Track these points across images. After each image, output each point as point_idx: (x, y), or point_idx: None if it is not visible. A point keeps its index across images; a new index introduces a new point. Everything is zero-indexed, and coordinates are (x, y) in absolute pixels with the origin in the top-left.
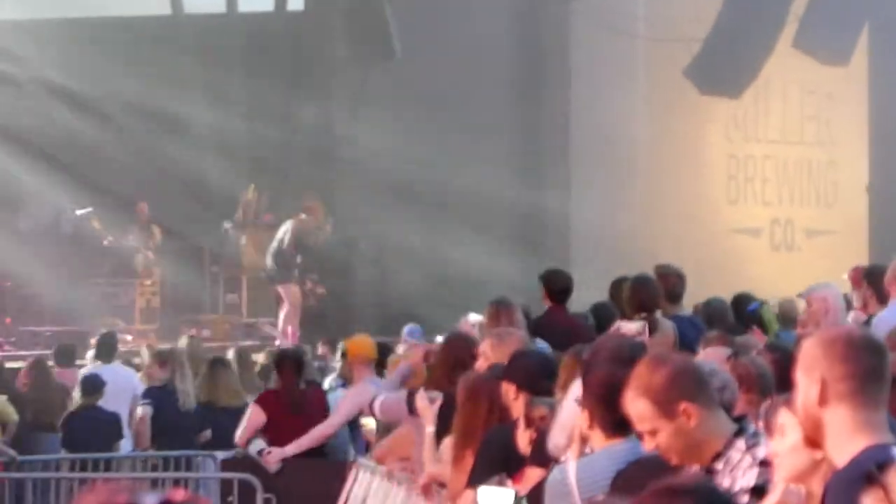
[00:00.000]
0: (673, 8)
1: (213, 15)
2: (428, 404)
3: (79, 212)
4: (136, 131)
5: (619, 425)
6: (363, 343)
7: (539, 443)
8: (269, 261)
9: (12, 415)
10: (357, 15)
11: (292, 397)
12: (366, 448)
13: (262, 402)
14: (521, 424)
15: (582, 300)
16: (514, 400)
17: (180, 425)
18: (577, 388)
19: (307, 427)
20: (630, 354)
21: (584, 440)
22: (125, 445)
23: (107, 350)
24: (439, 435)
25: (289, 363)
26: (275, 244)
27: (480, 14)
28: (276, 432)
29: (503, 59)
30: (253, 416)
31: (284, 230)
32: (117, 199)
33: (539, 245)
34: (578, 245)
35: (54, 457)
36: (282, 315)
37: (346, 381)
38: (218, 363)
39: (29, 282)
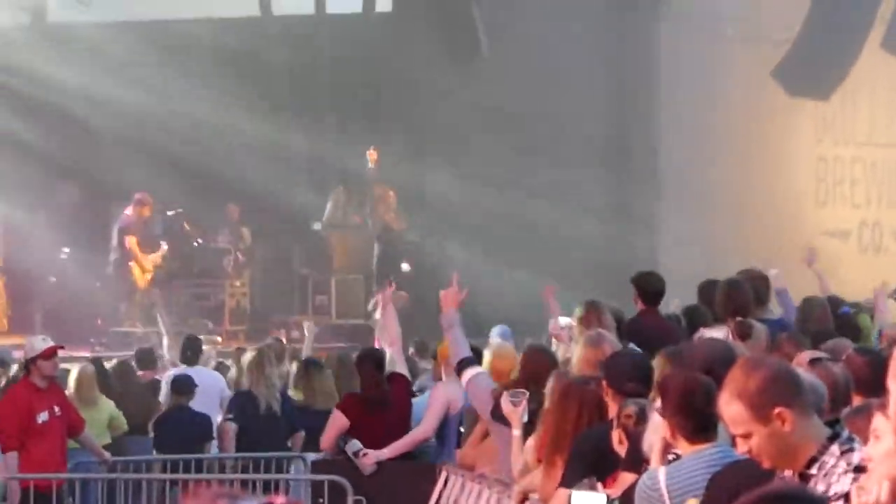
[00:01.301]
0: (761, 11)
1: (301, 16)
2: (513, 407)
3: (169, 213)
4: (226, 132)
5: (700, 431)
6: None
7: (632, 448)
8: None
9: (123, 425)
10: (444, 16)
11: (374, 398)
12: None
13: (343, 406)
14: (614, 424)
15: (670, 302)
16: (611, 401)
17: (264, 429)
18: None
19: (393, 425)
20: (706, 361)
21: (665, 447)
22: (215, 447)
23: (192, 353)
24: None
25: (368, 363)
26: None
27: (569, 13)
28: (361, 435)
29: (592, 57)
30: (335, 420)
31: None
32: (208, 200)
33: (627, 246)
34: (666, 247)
35: (145, 458)
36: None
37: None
38: (312, 365)
39: (119, 283)
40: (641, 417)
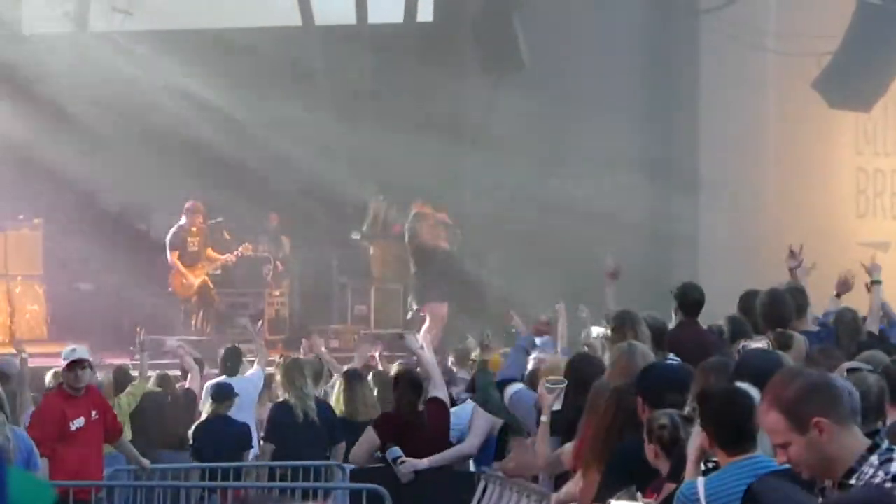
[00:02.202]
0: (802, 22)
1: (342, 26)
2: (547, 392)
3: (209, 222)
4: (265, 141)
5: (739, 441)
6: (495, 360)
7: (676, 459)
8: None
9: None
10: (485, 26)
11: (409, 419)
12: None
13: (377, 424)
14: (646, 437)
15: (709, 312)
16: (643, 413)
17: (302, 439)
18: None
19: (427, 447)
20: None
21: (699, 457)
22: (254, 455)
23: (232, 364)
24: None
25: (405, 384)
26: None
27: (609, 25)
28: None
29: (632, 69)
30: (368, 438)
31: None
32: (248, 209)
33: (667, 257)
34: (706, 256)
35: (183, 465)
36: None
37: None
38: (354, 376)
39: (159, 291)
40: (675, 429)
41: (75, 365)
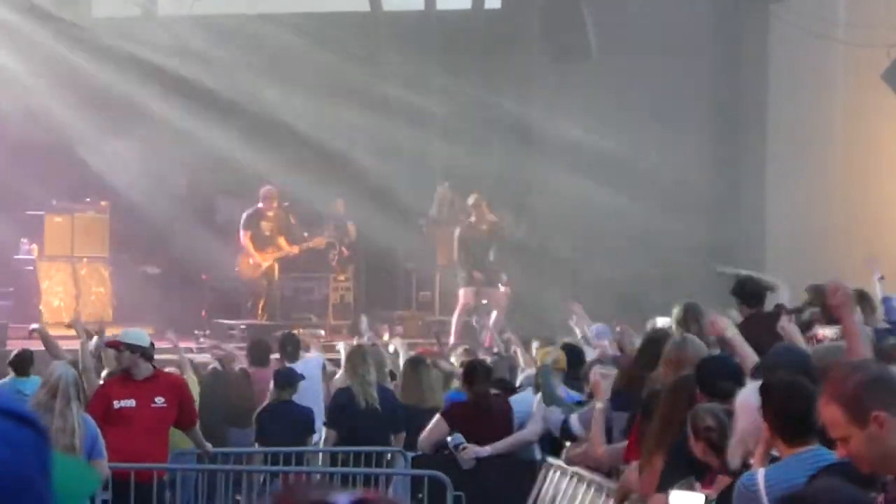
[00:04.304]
0: (872, 13)
1: (410, 12)
2: (600, 379)
3: (284, 204)
4: (334, 127)
5: (799, 433)
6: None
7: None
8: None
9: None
10: (553, 15)
11: (479, 408)
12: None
13: (448, 413)
14: (691, 434)
15: (776, 300)
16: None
17: (363, 425)
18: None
19: (493, 435)
20: (805, 362)
21: (767, 447)
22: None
23: (292, 349)
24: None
25: (477, 374)
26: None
27: (678, 14)
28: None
29: (700, 59)
30: (437, 425)
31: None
32: (314, 194)
33: (734, 246)
34: (773, 246)
35: (246, 450)
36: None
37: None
38: (419, 363)
39: (224, 275)
40: (722, 429)
41: (115, 345)
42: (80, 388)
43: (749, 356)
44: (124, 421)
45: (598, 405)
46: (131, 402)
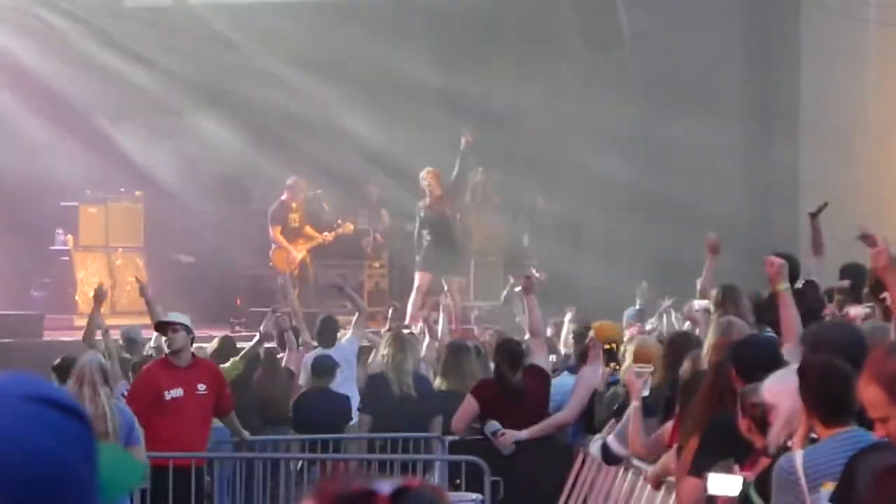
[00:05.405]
0: None
1: None
2: (635, 378)
3: (310, 194)
4: (366, 112)
5: (837, 414)
6: (609, 327)
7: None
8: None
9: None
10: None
11: (507, 387)
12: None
13: (476, 391)
14: (740, 411)
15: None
16: (738, 385)
17: (399, 411)
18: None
19: (527, 415)
20: (844, 342)
21: (807, 430)
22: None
23: (329, 334)
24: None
25: (503, 353)
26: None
27: (709, 3)
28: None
29: (733, 42)
30: (468, 405)
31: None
32: (348, 181)
33: (767, 229)
34: (805, 227)
35: (283, 437)
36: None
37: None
38: (461, 349)
39: (258, 262)
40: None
41: (167, 326)
42: (107, 374)
43: (794, 319)
44: (175, 411)
45: (634, 404)
46: (180, 392)
